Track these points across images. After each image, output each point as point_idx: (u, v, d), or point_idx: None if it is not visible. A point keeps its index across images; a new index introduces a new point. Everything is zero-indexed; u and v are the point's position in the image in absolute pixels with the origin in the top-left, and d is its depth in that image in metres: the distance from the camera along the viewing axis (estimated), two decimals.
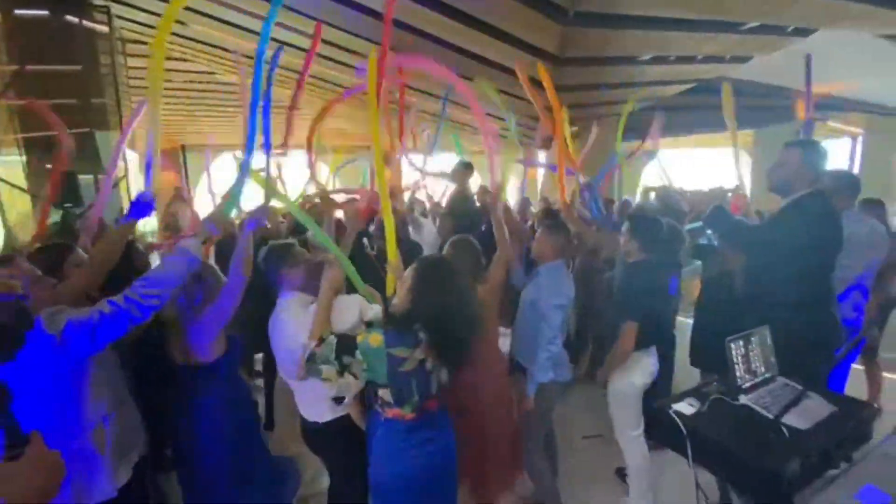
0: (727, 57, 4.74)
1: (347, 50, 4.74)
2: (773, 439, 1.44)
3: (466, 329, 1.54)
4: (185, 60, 6.07)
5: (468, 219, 3.50)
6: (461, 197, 3.89)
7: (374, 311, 1.84)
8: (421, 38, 4.01)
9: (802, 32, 4.00)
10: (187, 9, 4.08)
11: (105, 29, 4.15)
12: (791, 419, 1.53)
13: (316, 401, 1.91)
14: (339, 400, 1.88)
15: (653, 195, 4.76)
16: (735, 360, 1.68)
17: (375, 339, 1.45)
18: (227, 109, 8.45)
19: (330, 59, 5.04)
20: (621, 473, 2.71)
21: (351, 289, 1.96)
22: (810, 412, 1.58)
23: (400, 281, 1.73)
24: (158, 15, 4.39)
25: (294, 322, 1.80)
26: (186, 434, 1.82)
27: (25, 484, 0.77)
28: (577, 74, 4.64)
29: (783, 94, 7.99)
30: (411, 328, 1.48)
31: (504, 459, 2.24)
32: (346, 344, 1.45)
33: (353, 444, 1.85)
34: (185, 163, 11.21)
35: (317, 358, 1.44)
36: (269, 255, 1.89)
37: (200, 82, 6.68)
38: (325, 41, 4.35)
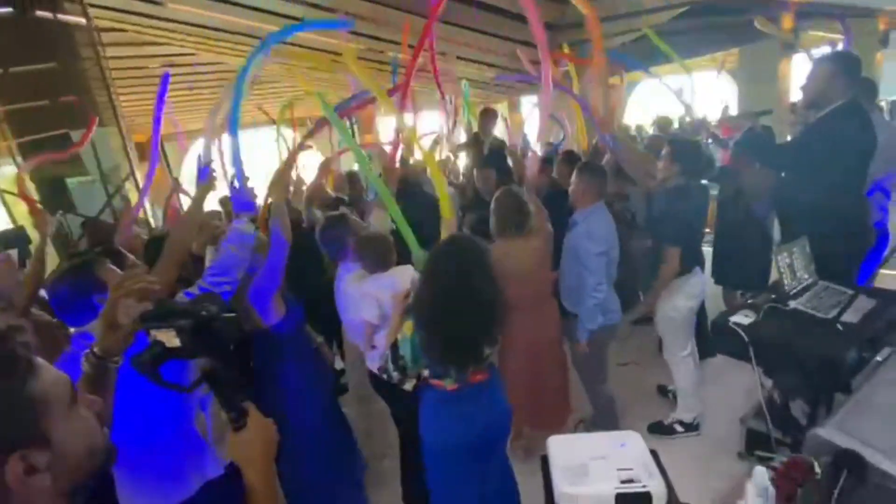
0: None
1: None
2: (828, 334, 1.61)
3: (470, 329, 1.40)
4: (159, 44, 5.78)
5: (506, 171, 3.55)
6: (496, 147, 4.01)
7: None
8: None
9: None
10: None
11: (81, 21, 3.91)
12: (838, 314, 1.71)
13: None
14: None
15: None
16: (782, 269, 1.83)
17: (408, 326, 1.48)
18: (202, 92, 8.12)
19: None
20: (663, 391, 2.93)
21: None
22: (856, 309, 1.75)
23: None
24: None
25: (359, 299, 1.93)
26: (266, 395, 1.91)
27: (258, 448, 0.88)
28: (605, 7, 4.57)
29: (764, 8, 7.86)
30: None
31: (556, 400, 2.40)
32: (394, 350, 1.51)
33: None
34: (164, 153, 10.83)
35: (387, 371, 1.54)
36: (331, 226, 1.96)
37: (179, 65, 6.37)
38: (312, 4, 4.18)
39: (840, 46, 11.85)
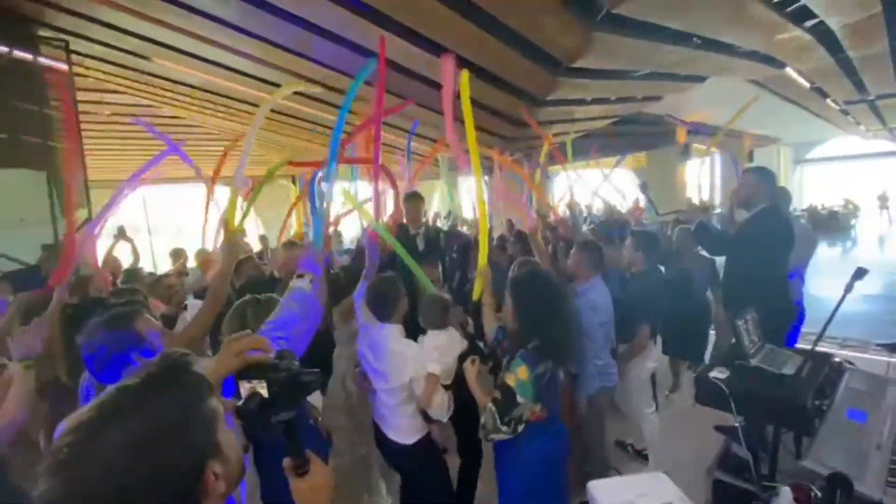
0: (640, 97, 5.80)
1: (331, 88, 4.86)
2: (789, 386, 2.00)
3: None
4: (116, 92, 5.62)
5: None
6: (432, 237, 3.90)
7: (462, 343, 2.14)
8: (410, 78, 4.33)
9: (700, 79, 5.11)
10: (150, 40, 3.96)
11: (62, 67, 3.75)
12: (787, 370, 2.13)
13: (404, 424, 2.11)
14: (431, 421, 2.10)
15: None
16: (742, 333, 2.26)
17: (523, 371, 1.65)
18: (137, 142, 7.82)
19: (313, 97, 5.11)
20: (622, 445, 3.20)
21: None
22: (795, 364, 2.19)
23: (489, 295, 2.04)
24: (117, 48, 4.13)
25: (404, 355, 2.03)
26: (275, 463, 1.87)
27: (324, 494, 0.93)
28: (549, 114, 5.34)
29: (667, 122, 9.70)
30: (531, 343, 1.71)
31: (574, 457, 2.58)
32: (504, 403, 1.66)
33: (433, 461, 2.13)
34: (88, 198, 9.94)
35: (487, 430, 1.67)
36: (384, 289, 2.08)
37: (129, 115, 6.18)
38: (304, 77, 4.46)
39: (716, 157, 14.42)
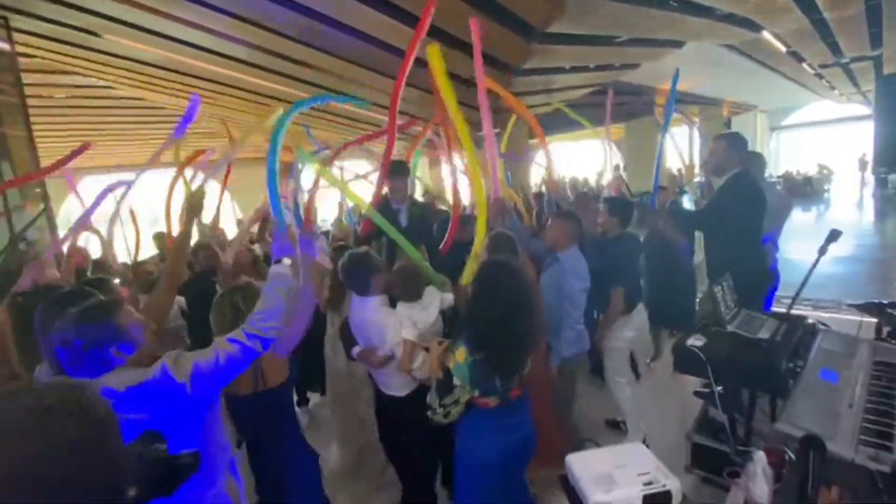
0: (618, 65, 5.70)
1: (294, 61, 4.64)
2: (763, 350, 2.02)
3: (519, 345, 1.61)
4: (66, 73, 5.28)
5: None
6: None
7: (448, 299, 2.11)
8: (383, 50, 4.15)
9: (678, 44, 5.03)
10: (100, 15, 3.70)
11: (4, 47, 3.47)
12: (763, 334, 2.15)
13: (395, 380, 2.17)
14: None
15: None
16: (719, 300, 2.26)
17: (461, 353, 1.59)
18: (103, 126, 7.45)
19: (276, 72, 4.86)
20: (613, 424, 3.24)
21: None
22: (768, 329, 2.21)
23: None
24: (63, 25, 3.84)
25: (384, 325, 2.07)
26: (265, 464, 1.83)
27: None
28: (524, 83, 5.19)
29: (646, 91, 9.63)
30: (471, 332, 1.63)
31: (554, 429, 2.55)
32: (442, 385, 1.61)
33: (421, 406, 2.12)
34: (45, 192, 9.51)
35: (431, 409, 1.62)
36: (355, 263, 2.04)
37: (85, 97, 5.83)
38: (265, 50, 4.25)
39: (695, 126, 14.50)
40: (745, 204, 2.62)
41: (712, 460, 2.56)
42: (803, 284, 2.15)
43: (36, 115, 5.08)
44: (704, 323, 2.35)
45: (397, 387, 2.17)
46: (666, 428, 3.02)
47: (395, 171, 3.14)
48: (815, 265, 2.10)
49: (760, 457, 1.32)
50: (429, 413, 1.62)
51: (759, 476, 1.29)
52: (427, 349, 2.02)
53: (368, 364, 2.20)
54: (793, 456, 1.41)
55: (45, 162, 4.82)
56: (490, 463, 1.67)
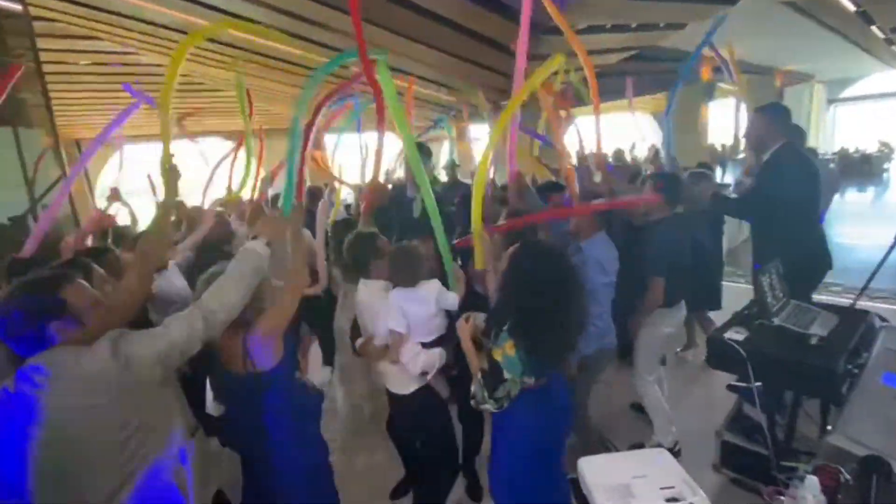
0: (662, 24, 5.19)
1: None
2: (816, 347, 1.76)
3: (569, 330, 1.47)
4: (91, 38, 5.23)
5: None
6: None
7: (450, 300, 1.91)
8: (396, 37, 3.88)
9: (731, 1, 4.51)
10: None
11: (16, 7, 3.41)
12: (815, 329, 1.88)
13: (397, 376, 2.00)
14: (424, 374, 1.93)
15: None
16: (766, 289, 1.99)
17: (510, 347, 1.44)
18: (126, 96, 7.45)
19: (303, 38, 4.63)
20: (637, 408, 3.03)
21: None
22: (822, 324, 1.94)
23: (493, 259, 1.80)
24: None
25: (377, 311, 1.90)
26: (257, 445, 1.71)
27: None
28: (553, 44, 4.78)
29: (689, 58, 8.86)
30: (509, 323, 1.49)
31: None
32: (492, 378, 1.47)
33: (434, 412, 1.99)
34: (60, 157, 9.69)
35: (476, 400, 1.49)
36: (359, 245, 1.89)
37: (107, 64, 5.78)
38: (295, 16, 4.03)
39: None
40: (796, 178, 2.29)
41: (745, 462, 2.34)
42: (873, 275, 1.85)
43: (57, 81, 5.09)
44: (746, 314, 2.10)
45: (399, 384, 2.00)
46: (692, 421, 2.81)
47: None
48: (889, 252, 1.80)
49: (813, 483, 1.11)
50: (472, 402, 1.51)
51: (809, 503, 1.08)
52: (431, 345, 1.90)
53: (367, 357, 2.07)
54: (850, 478, 1.18)
55: (62, 129, 4.85)
56: (527, 443, 1.55)
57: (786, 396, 2.17)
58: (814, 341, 1.80)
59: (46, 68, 4.50)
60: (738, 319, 2.05)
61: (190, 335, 1.26)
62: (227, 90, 7.26)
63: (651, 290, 2.39)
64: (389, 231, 2.79)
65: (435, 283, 1.93)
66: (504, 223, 2.25)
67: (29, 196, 3.52)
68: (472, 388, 1.51)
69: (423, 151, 2.94)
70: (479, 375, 1.50)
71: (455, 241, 2.30)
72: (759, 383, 1.87)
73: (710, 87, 9.93)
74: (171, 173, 1.62)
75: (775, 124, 2.40)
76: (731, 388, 2.85)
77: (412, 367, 1.89)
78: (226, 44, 5.24)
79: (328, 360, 3.69)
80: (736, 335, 1.90)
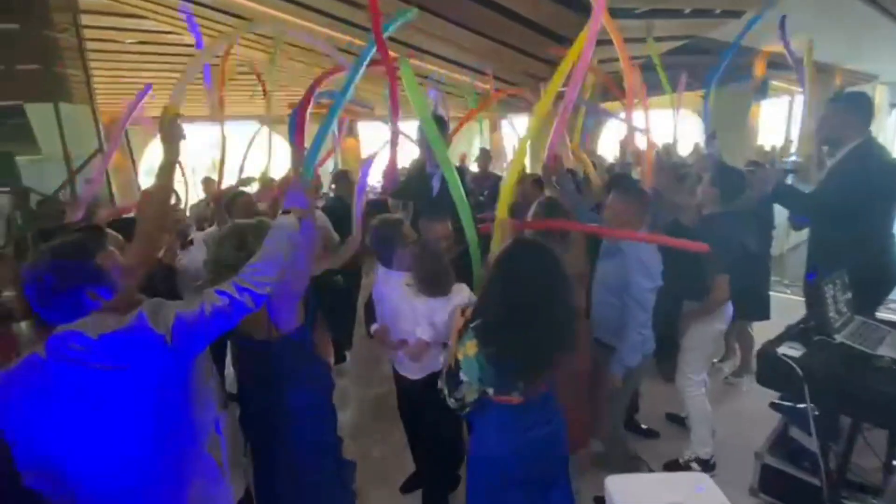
0: (718, 11, 4.86)
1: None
2: (884, 370, 1.55)
3: (539, 342, 1.30)
4: (138, 17, 5.32)
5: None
6: None
7: (471, 300, 1.82)
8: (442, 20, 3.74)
9: None
10: None
11: None
12: (885, 351, 1.66)
13: (415, 365, 1.94)
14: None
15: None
16: (828, 302, 1.78)
17: (471, 346, 1.32)
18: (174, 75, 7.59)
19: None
20: (674, 418, 2.84)
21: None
22: (891, 344, 1.72)
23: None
24: None
25: (399, 309, 1.84)
26: (274, 410, 1.67)
27: None
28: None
29: (742, 52, 8.31)
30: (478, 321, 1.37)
31: (578, 426, 2.25)
32: (452, 376, 1.36)
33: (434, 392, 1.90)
34: (128, 139, 10.04)
35: (443, 394, 1.40)
36: (384, 232, 1.82)
37: (154, 43, 5.87)
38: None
39: (797, 98, 12.69)
40: (874, 182, 2.03)
41: (788, 489, 2.14)
42: None
43: (100, 59, 5.20)
44: (801, 328, 1.89)
45: (412, 368, 1.94)
46: (727, 437, 2.61)
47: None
48: None
49: None
50: (442, 397, 1.41)
51: None
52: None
53: (383, 345, 2.00)
54: None
55: (103, 106, 4.95)
56: (502, 461, 1.42)
57: (841, 422, 1.96)
58: (882, 363, 1.58)
59: (91, 45, 4.61)
60: (792, 334, 1.85)
61: (233, 308, 1.21)
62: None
63: (717, 289, 2.23)
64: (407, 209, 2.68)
65: (465, 292, 1.85)
66: (530, 221, 2.11)
67: (67, 171, 3.60)
68: (439, 383, 1.43)
69: (440, 123, 2.67)
70: (444, 373, 1.40)
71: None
72: (810, 405, 1.68)
73: (764, 85, 9.31)
74: (170, 128, 1.54)
75: (856, 117, 2.12)
76: (774, 406, 2.64)
77: (430, 365, 1.81)
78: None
79: (338, 355, 3.64)
80: (791, 351, 1.71)
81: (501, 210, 1.85)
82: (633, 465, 2.34)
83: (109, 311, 1.14)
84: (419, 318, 1.78)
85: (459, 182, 1.99)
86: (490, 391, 1.35)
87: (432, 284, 1.79)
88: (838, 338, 1.73)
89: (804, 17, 5.46)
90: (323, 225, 2.86)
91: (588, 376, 2.23)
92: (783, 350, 1.71)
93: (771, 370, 1.69)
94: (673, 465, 2.46)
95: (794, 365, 1.61)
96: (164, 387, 1.14)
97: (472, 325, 1.35)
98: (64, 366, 1.05)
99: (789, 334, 1.85)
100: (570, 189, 2.29)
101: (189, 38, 6.15)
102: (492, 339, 1.30)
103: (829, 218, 2.12)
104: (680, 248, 1.71)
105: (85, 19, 4.04)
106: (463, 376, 1.32)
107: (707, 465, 2.44)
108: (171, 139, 1.55)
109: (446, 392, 1.38)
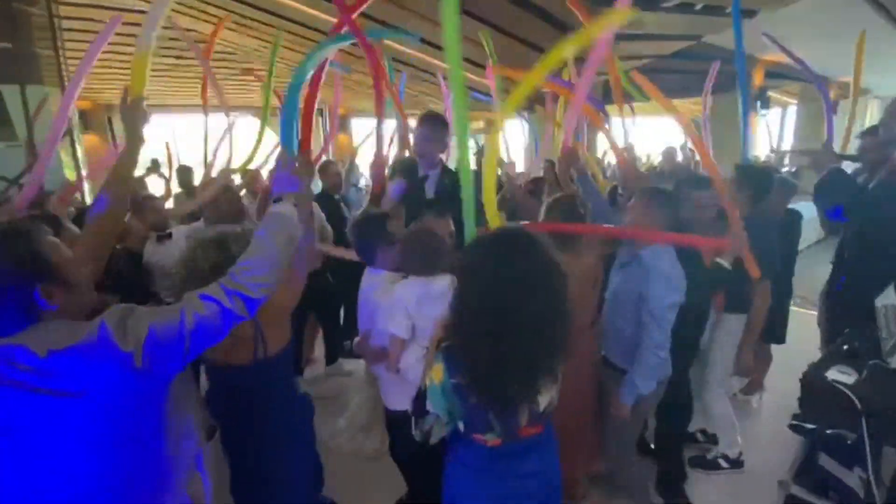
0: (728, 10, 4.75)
1: None
2: None
3: (520, 367, 1.03)
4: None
5: None
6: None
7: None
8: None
9: None
10: None
11: None
12: None
13: (399, 388, 1.68)
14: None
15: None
16: (883, 323, 1.60)
17: (438, 372, 1.09)
18: (166, 62, 7.25)
19: None
20: (703, 433, 2.65)
21: None
22: None
23: None
24: None
25: (389, 308, 1.57)
26: (253, 443, 1.44)
27: None
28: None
29: (750, 61, 8.26)
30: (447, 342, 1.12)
31: (578, 451, 2.02)
32: (418, 405, 1.16)
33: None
34: (111, 126, 9.62)
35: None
36: (366, 228, 1.58)
37: (135, 24, 5.54)
38: None
39: (793, 109, 12.72)
40: None
41: None
42: None
43: (73, 39, 4.84)
44: (846, 349, 1.70)
45: (396, 398, 1.66)
46: (746, 460, 2.42)
47: (428, 123, 2.32)
48: None
49: None
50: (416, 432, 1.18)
51: None
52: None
53: (364, 359, 1.78)
54: None
55: (92, 94, 4.56)
56: None
57: (884, 451, 1.78)
58: None
59: (68, 24, 4.29)
60: (838, 356, 1.66)
61: (221, 317, 0.97)
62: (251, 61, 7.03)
63: (759, 296, 2.09)
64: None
65: (448, 280, 1.59)
66: (540, 223, 1.90)
67: (30, 157, 3.30)
68: (409, 406, 1.20)
69: (436, 121, 2.35)
70: (415, 392, 1.18)
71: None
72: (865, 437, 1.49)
73: (763, 94, 9.26)
74: (132, 109, 1.32)
75: None
76: (796, 429, 2.46)
77: (411, 376, 1.56)
78: (269, 11, 4.97)
79: (332, 354, 3.40)
80: (843, 377, 1.52)
81: (492, 218, 1.59)
82: (644, 494, 2.14)
83: (62, 317, 0.91)
84: (395, 308, 1.52)
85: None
86: (460, 427, 1.11)
87: (416, 261, 1.55)
88: (892, 363, 1.55)
89: (806, 25, 5.38)
90: (317, 215, 2.59)
91: (592, 400, 2.02)
92: (833, 375, 1.52)
93: (818, 397, 1.50)
94: (701, 462, 2.38)
95: (851, 394, 1.42)
96: (130, 417, 0.92)
97: (441, 348, 1.11)
98: (1, 390, 0.81)
99: (835, 356, 1.66)
100: (591, 188, 2.09)
101: (182, 22, 5.88)
102: (459, 365, 1.05)
103: (885, 217, 1.95)
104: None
105: None
106: (429, 406, 1.10)
107: (736, 463, 2.37)
108: (134, 122, 1.32)
109: (413, 419, 1.15)
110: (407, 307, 1.51)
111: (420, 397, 1.14)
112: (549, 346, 1.05)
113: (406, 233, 1.63)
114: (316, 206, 2.78)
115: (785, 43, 4.23)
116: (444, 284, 1.53)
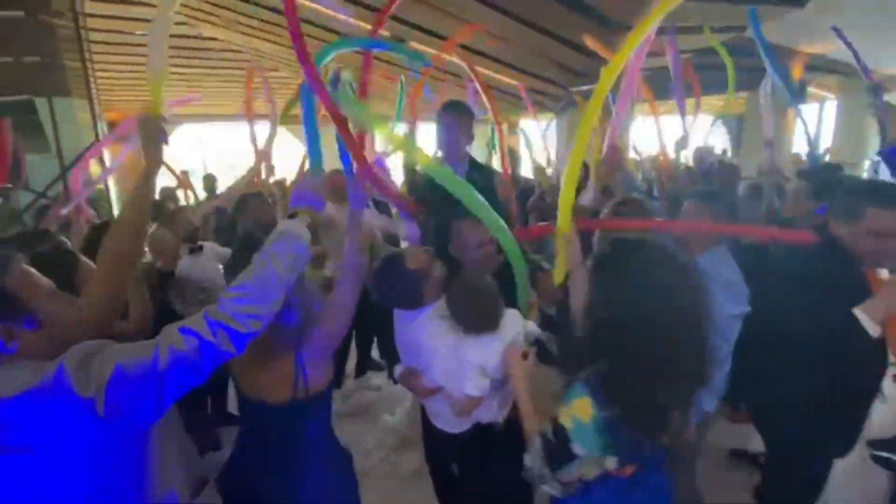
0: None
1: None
2: None
3: (679, 387, 1.00)
4: (134, 3, 4.98)
5: None
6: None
7: (532, 332, 1.44)
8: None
9: None
10: None
11: None
12: None
13: (447, 408, 1.54)
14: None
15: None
16: None
17: (583, 407, 0.98)
18: (193, 73, 7.31)
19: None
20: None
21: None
22: None
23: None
24: None
25: (433, 348, 1.43)
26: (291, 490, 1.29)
27: None
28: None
29: (779, 53, 7.83)
30: (596, 367, 1.02)
31: None
32: (555, 450, 1.02)
33: (488, 449, 1.54)
34: (95, 128, 9.72)
35: (532, 475, 1.05)
36: (393, 274, 1.41)
37: (178, 36, 5.56)
38: None
39: (826, 104, 12.03)
40: None
41: None
42: None
43: (103, 52, 4.87)
44: None
45: (450, 420, 1.54)
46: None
47: (452, 112, 2.04)
48: None
49: None
50: (528, 477, 1.06)
51: None
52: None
53: (412, 391, 1.64)
54: None
55: (103, 94, 4.59)
56: None
57: None
58: None
59: (95, 36, 4.30)
60: None
61: (203, 353, 0.84)
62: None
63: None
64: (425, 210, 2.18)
65: (516, 319, 1.43)
66: (595, 220, 1.76)
67: (60, 169, 3.30)
68: (526, 460, 1.06)
69: (459, 109, 2.07)
70: (538, 442, 1.04)
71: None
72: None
73: (801, 88, 8.75)
74: (149, 125, 1.20)
75: None
76: (877, 459, 2.26)
77: (479, 414, 1.46)
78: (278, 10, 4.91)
79: (362, 365, 3.30)
80: None
81: (563, 221, 1.44)
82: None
83: (29, 357, 0.80)
84: (466, 367, 1.37)
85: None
86: (613, 464, 1.01)
87: (479, 321, 1.38)
88: None
89: (845, 16, 5.03)
90: (370, 227, 2.29)
91: None
92: None
93: None
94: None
95: None
96: (103, 470, 0.81)
97: (580, 378, 1.00)
98: None
99: None
100: (628, 186, 1.96)
101: (205, 31, 5.87)
102: (619, 390, 0.96)
103: None
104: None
105: (87, 6, 3.74)
106: (576, 448, 0.97)
107: None
108: (153, 142, 1.20)
109: (543, 473, 1.02)
110: (485, 367, 1.36)
111: (552, 447, 1.01)
112: (707, 355, 1.02)
113: (452, 291, 1.43)
114: (371, 215, 2.55)
115: (832, 34, 3.96)
116: (515, 328, 1.40)
